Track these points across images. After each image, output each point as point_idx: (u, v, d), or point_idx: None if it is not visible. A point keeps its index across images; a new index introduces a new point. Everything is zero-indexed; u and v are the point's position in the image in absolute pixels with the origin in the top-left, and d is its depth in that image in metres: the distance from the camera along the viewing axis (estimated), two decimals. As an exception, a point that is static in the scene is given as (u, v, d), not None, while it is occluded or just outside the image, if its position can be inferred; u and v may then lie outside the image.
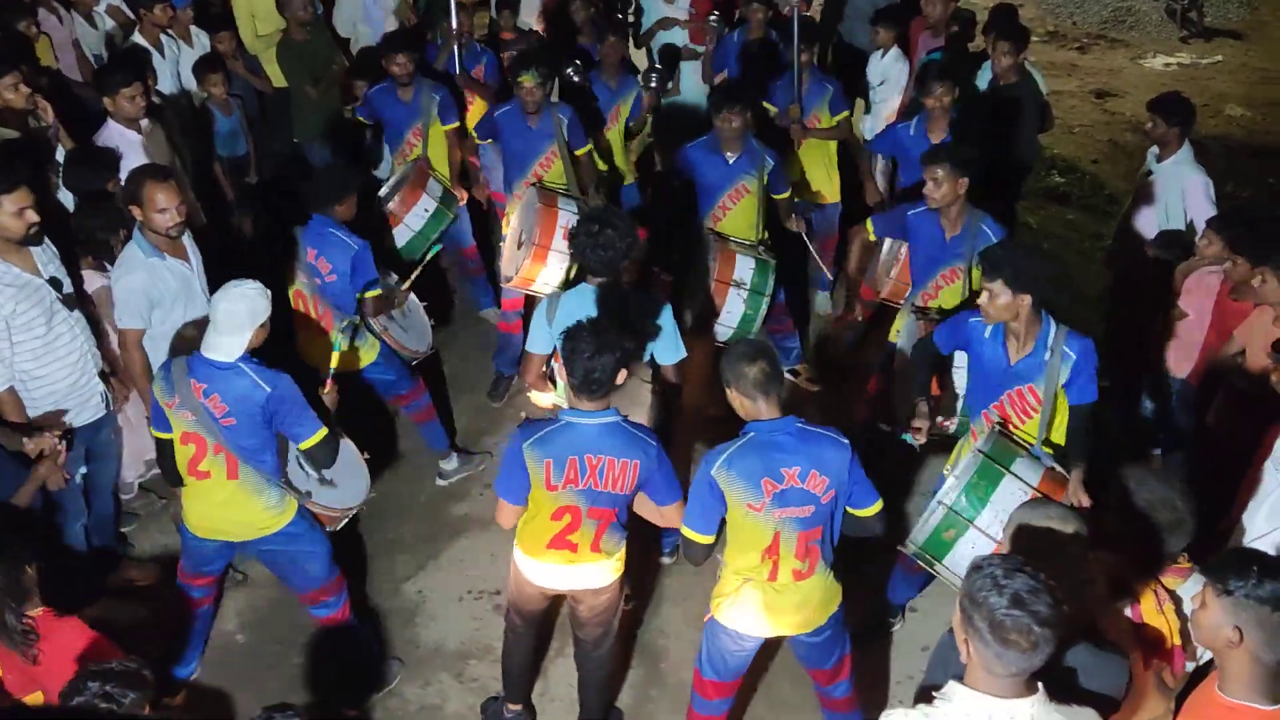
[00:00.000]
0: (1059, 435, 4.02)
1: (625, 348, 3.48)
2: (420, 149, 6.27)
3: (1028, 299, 3.79)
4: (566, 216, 5.34)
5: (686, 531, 3.50)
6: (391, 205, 5.92)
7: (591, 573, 3.75)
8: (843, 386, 6.14)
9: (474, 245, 6.57)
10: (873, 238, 5.42)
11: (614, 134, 6.70)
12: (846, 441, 3.42)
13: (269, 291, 3.85)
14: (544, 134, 5.83)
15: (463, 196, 6.27)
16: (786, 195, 5.79)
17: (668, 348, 4.32)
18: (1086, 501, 3.72)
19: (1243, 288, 4.59)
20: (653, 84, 6.80)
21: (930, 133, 5.76)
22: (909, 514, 5.02)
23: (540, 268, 5.38)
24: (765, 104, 6.56)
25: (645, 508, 3.75)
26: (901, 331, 5.10)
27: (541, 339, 4.26)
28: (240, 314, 3.72)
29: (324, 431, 3.89)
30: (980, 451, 3.74)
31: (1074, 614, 2.49)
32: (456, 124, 6.39)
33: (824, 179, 6.62)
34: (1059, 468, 3.87)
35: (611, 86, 6.64)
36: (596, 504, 3.58)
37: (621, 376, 3.51)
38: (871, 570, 4.49)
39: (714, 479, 3.37)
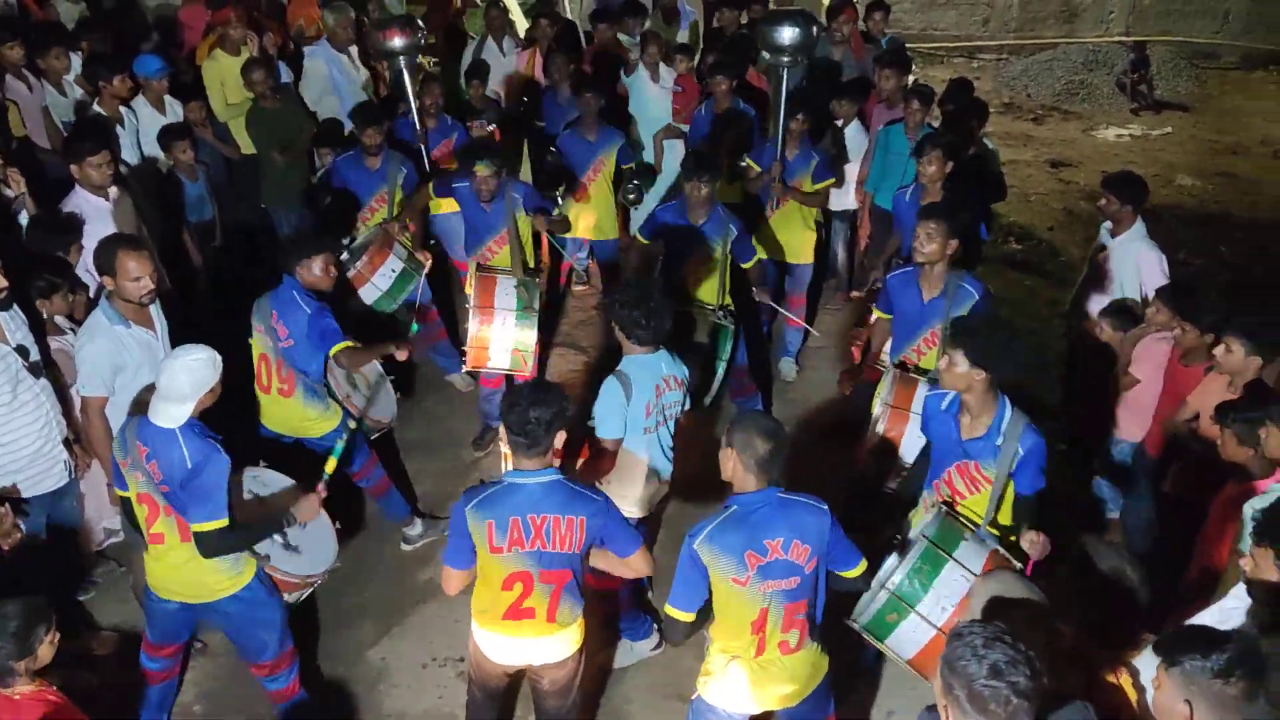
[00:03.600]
0: (1006, 517, 4.04)
1: (564, 405, 3.49)
2: (384, 214, 6.38)
3: (983, 375, 3.83)
4: (505, 285, 5.69)
5: (669, 610, 3.48)
6: (359, 265, 5.98)
7: (551, 646, 3.70)
8: (833, 442, 6.14)
9: (434, 310, 6.60)
10: (886, 317, 5.40)
11: (597, 186, 6.81)
12: (825, 507, 3.44)
13: (219, 358, 3.83)
14: (497, 217, 5.93)
15: (427, 259, 6.34)
16: (753, 263, 5.90)
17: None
18: (1043, 543, 3.77)
19: (1193, 353, 4.73)
20: (630, 195, 6.95)
21: (923, 201, 5.90)
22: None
23: (486, 333, 5.58)
24: (750, 162, 6.73)
25: (608, 562, 3.72)
26: (881, 395, 5.11)
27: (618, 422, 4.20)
28: (183, 384, 3.70)
29: (222, 523, 3.78)
30: (925, 537, 3.77)
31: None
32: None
33: (799, 239, 6.77)
34: (1004, 551, 3.86)
35: (590, 140, 6.76)
36: (548, 566, 3.52)
37: (560, 438, 3.50)
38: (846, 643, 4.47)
39: (696, 553, 3.37)
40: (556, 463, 3.56)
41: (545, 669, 3.77)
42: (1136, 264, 5.57)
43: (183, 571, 3.92)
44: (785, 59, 6.32)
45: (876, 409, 5.04)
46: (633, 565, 3.69)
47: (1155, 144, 13.28)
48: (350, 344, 4.88)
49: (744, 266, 5.86)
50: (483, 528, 3.47)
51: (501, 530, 3.47)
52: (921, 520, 3.97)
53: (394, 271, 6.04)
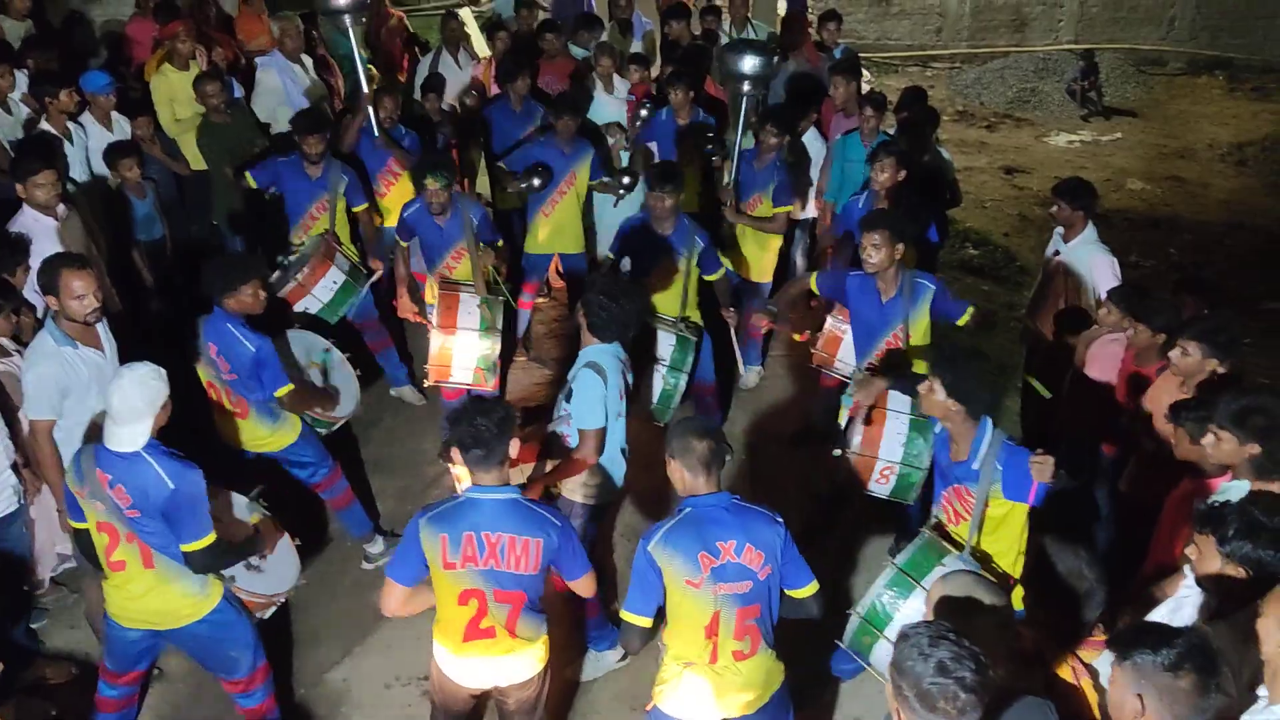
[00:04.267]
0: (991, 545, 4.02)
1: (509, 412, 3.48)
2: (325, 224, 6.29)
3: (959, 408, 3.89)
4: (467, 304, 5.65)
5: (625, 615, 3.47)
6: (299, 277, 5.86)
7: (514, 665, 3.66)
8: (799, 451, 6.24)
9: (376, 317, 6.49)
10: (815, 291, 5.51)
11: (567, 199, 6.76)
12: (779, 519, 3.46)
13: (164, 371, 3.75)
14: (452, 233, 5.94)
15: (377, 266, 6.27)
16: (718, 274, 5.90)
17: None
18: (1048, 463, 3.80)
19: (1145, 353, 4.79)
20: (622, 187, 6.93)
21: (876, 207, 5.96)
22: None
23: (448, 351, 5.56)
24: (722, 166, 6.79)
25: (554, 581, 3.72)
26: (847, 411, 5.10)
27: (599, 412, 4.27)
28: (135, 402, 3.62)
29: (212, 538, 3.75)
30: (895, 564, 3.85)
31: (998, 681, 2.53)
32: (365, 205, 6.47)
33: (757, 257, 6.76)
34: (986, 576, 3.79)
35: (565, 152, 6.72)
36: (502, 586, 3.48)
37: (513, 446, 3.48)
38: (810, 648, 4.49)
39: (651, 555, 3.37)
40: (510, 477, 3.55)
41: (510, 689, 3.73)
42: (1089, 267, 5.65)
43: (147, 599, 3.84)
44: (746, 87, 6.38)
45: (844, 418, 5.05)
46: (578, 588, 3.69)
47: (1105, 149, 13.52)
48: (290, 388, 4.81)
49: (709, 279, 5.87)
50: (436, 543, 3.44)
51: (454, 545, 3.44)
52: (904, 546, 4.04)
53: (335, 284, 5.94)
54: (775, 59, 6.53)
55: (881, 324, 5.15)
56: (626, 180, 6.78)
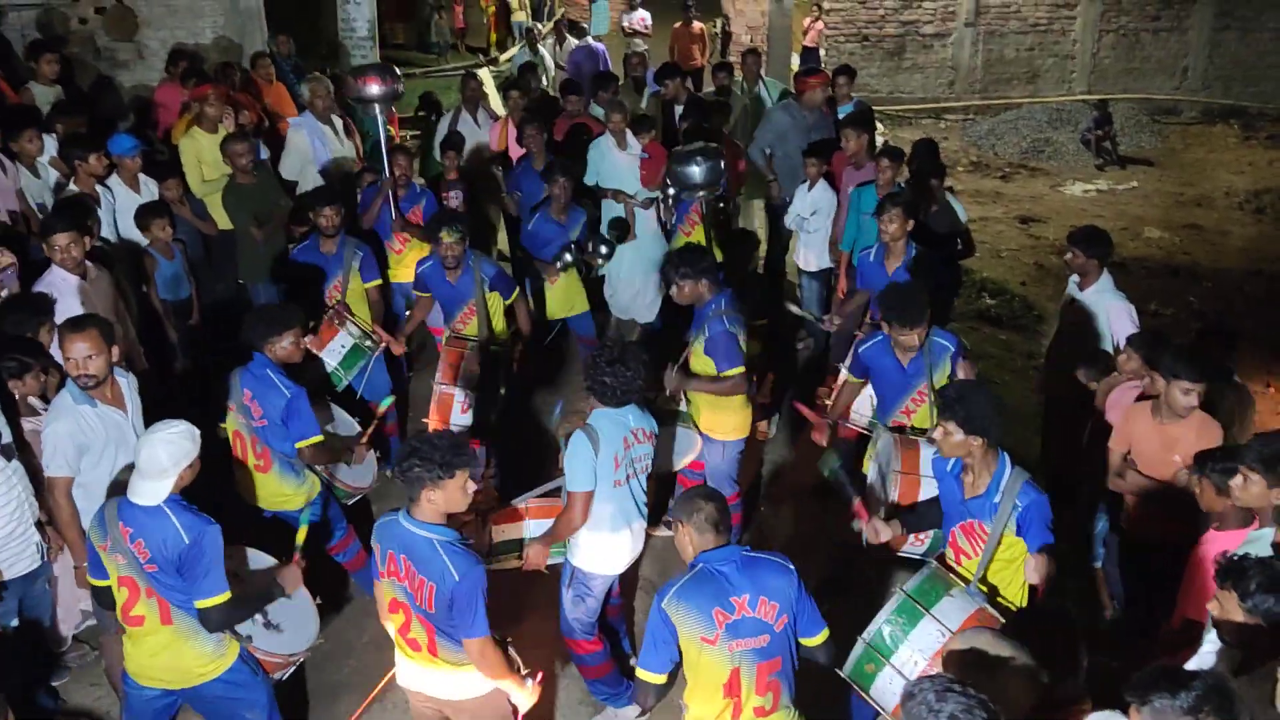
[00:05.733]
0: (998, 578, 4.03)
1: (443, 467, 3.46)
2: (339, 300, 6.38)
3: (979, 440, 3.90)
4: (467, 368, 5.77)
5: (639, 672, 3.48)
6: (307, 341, 5.93)
7: (443, 681, 3.70)
8: (816, 502, 6.23)
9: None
10: (857, 381, 5.48)
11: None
12: (791, 567, 3.45)
13: (197, 432, 3.81)
14: (465, 289, 6.05)
15: (383, 339, 6.30)
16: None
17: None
18: (1043, 564, 3.77)
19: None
20: (602, 250, 7.01)
21: (887, 260, 6.02)
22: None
23: (448, 416, 5.71)
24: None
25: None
26: (875, 456, 5.10)
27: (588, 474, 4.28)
28: (161, 459, 3.67)
29: (226, 596, 3.75)
30: (903, 591, 3.83)
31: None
32: (378, 281, 6.55)
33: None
34: (991, 609, 3.86)
35: (561, 222, 6.86)
36: (418, 610, 3.58)
37: (436, 495, 3.48)
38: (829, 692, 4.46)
39: (665, 612, 3.37)
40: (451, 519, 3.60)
41: (453, 706, 3.79)
42: (1107, 315, 5.65)
43: (163, 656, 3.85)
44: (701, 194, 6.54)
45: (870, 472, 5.02)
46: (468, 649, 3.56)
47: (1122, 198, 13.53)
48: (319, 439, 4.86)
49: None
50: (375, 548, 3.68)
51: (383, 558, 3.64)
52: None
53: (344, 347, 6.05)
54: (722, 163, 6.64)
55: (904, 385, 5.16)
56: (569, 258, 6.84)
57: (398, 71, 7.43)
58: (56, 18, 10.36)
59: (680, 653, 3.43)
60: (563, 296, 7.07)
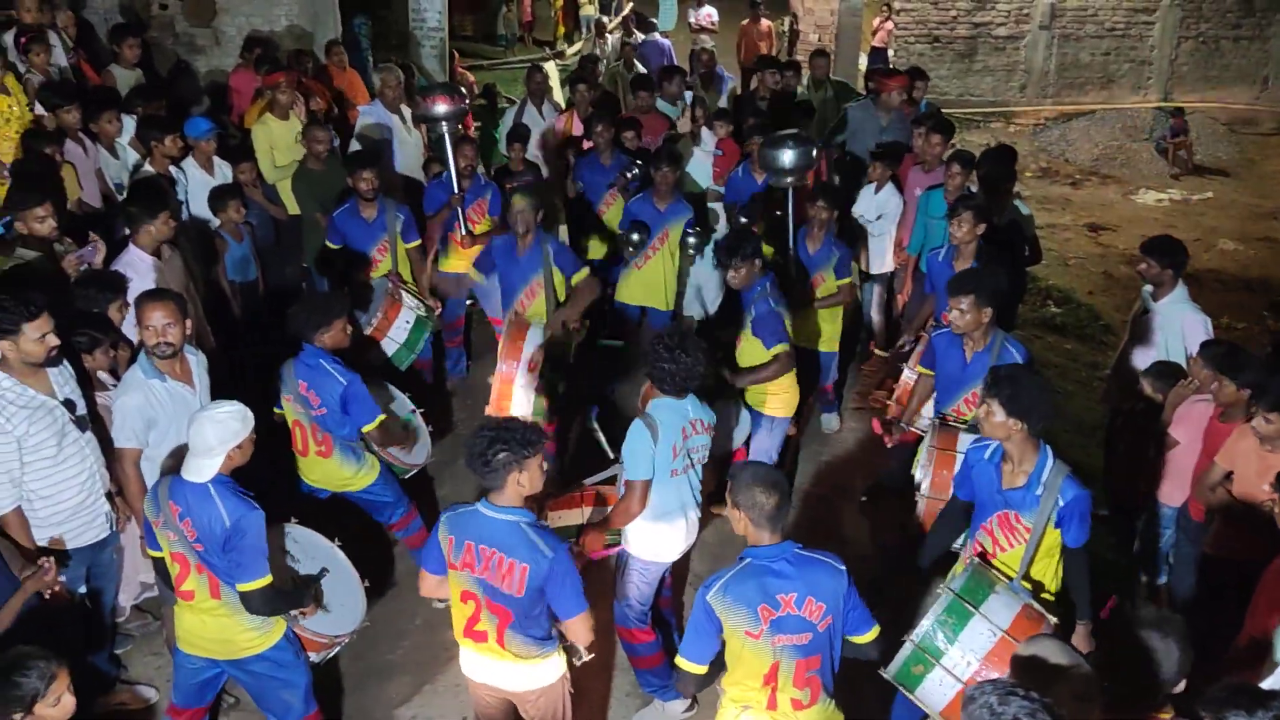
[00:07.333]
0: (1041, 572, 4.00)
1: (522, 451, 3.53)
2: (388, 264, 6.47)
3: (1020, 425, 3.85)
4: (530, 353, 5.65)
5: (679, 661, 3.50)
6: (374, 321, 6.06)
7: (510, 673, 3.74)
8: (872, 502, 6.23)
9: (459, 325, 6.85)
10: (929, 373, 5.45)
11: (660, 255, 6.87)
12: (843, 567, 3.43)
13: (249, 414, 3.87)
14: (531, 265, 6.03)
15: (436, 306, 6.42)
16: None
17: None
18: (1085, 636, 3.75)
19: (1231, 410, 4.66)
20: (690, 241, 6.95)
21: (956, 262, 5.98)
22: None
23: (506, 400, 5.60)
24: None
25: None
26: (922, 459, 5.09)
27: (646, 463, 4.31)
28: (209, 437, 3.74)
29: (267, 579, 3.83)
30: (950, 590, 3.78)
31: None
32: (418, 242, 6.67)
33: (827, 330, 6.68)
34: (1037, 605, 3.84)
35: (660, 209, 6.82)
36: (492, 599, 3.60)
37: (517, 478, 3.54)
38: (872, 691, 4.43)
39: (710, 605, 3.38)
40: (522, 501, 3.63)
41: (517, 697, 3.82)
42: (1181, 327, 5.51)
43: (211, 627, 3.95)
44: (788, 180, 6.46)
45: (919, 474, 4.98)
46: (570, 629, 3.67)
47: (1196, 209, 13.23)
48: (382, 418, 4.96)
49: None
50: (445, 540, 3.65)
51: (457, 548, 3.63)
52: (954, 573, 3.97)
53: (409, 323, 6.17)
54: (814, 151, 6.58)
55: (963, 379, 5.12)
56: (635, 237, 6.80)
57: (462, 91, 7.53)
58: (138, 3, 10.58)
59: (723, 643, 3.45)
60: (648, 286, 6.95)
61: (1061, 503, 3.85)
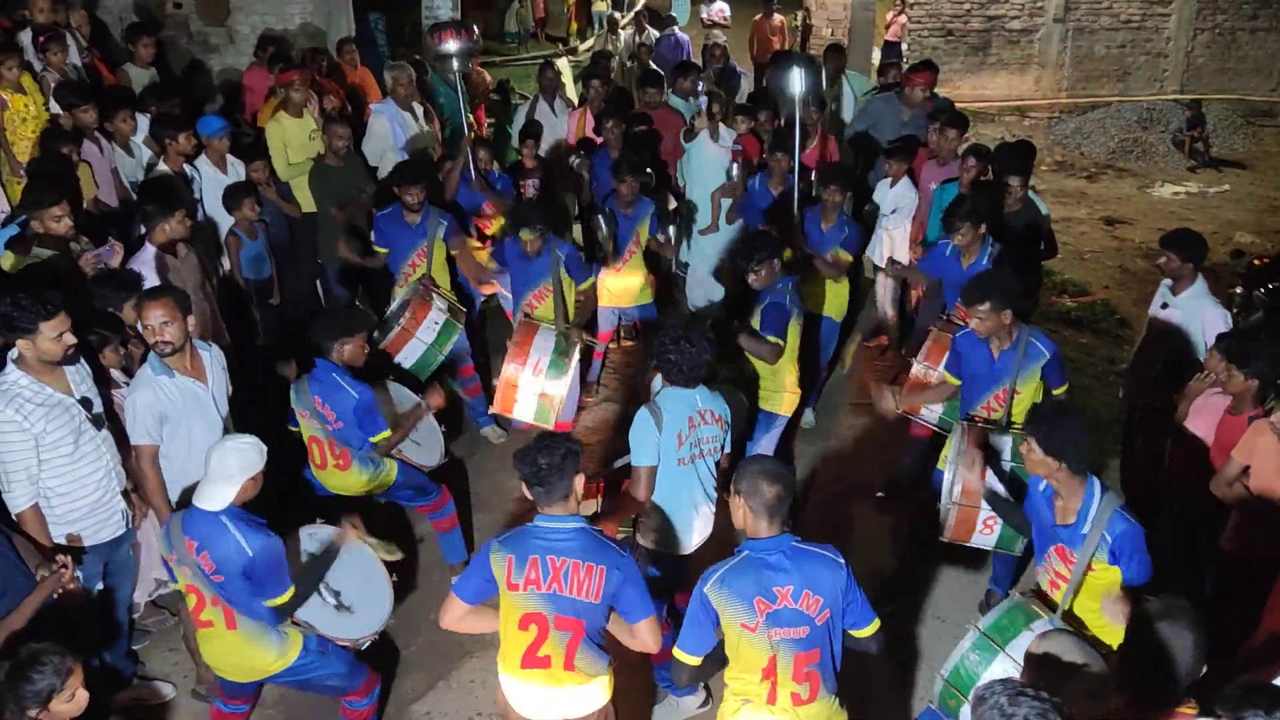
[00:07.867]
0: (1083, 609, 3.90)
1: (571, 448, 3.55)
2: (424, 269, 6.51)
3: (1059, 464, 3.78)
4: (545, 333, 5.85)
5: (676, 652, 3.49)
6: (403, 322, 6.10)
7: (571, 698, 3.64)
8: (889, 503, 6.23)
9: (471, 365, 6.79)
10: (955, 382, 5.37)
11: (638, 256, 6.98)
12: (841, 560, 3.41)
13: (264, 447, 3.95)
14: (541, 270, 6.18)
15: (488, 291, 6.53)
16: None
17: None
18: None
19: (1239, 401, 4.61)
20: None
21: (963, 257, 5.99)
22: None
23: (512, 401, 5.76)
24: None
25: (616, 628, 3.67)
26: (950, 454, 5.02)
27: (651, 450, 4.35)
28: (230, 465, 3.81)
29: (290, 593, 3.93)
30: (978, 629, 3.82)
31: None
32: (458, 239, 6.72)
33: (834, 294, 6.77)
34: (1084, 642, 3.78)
35: (627, 214, 6.90)
36: (563, 612, 3.51)
37: (578, 481, 3.55)
38: (875, 686, 4.44)
39: (706, 597, 3.37)
40: (580, 509, 3.61)
41: None
42: (1202, 322, 5.45)
43: (232, 656, 4.03)
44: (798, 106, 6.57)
45: (948, 473, 4.95)
46: (639, 634, 3.60)
47: (1213, 201, 13.12)
48: (388, 434, 5.02)
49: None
50: (503, 563, 3.52)
51: (520, 567, 3.50)
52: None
53: (437, 324, 6.19)
54: (821, 72, 6.64)
55: (991, 379, 5.09)
56: (605, 228, 6.88)
57: (474, 28, 7.52)
58: (153, 2, 10.64)
59: (719, 635, 3.44)
60: (629, 287, 7.05)
61: (1109, 539, 3.74)
